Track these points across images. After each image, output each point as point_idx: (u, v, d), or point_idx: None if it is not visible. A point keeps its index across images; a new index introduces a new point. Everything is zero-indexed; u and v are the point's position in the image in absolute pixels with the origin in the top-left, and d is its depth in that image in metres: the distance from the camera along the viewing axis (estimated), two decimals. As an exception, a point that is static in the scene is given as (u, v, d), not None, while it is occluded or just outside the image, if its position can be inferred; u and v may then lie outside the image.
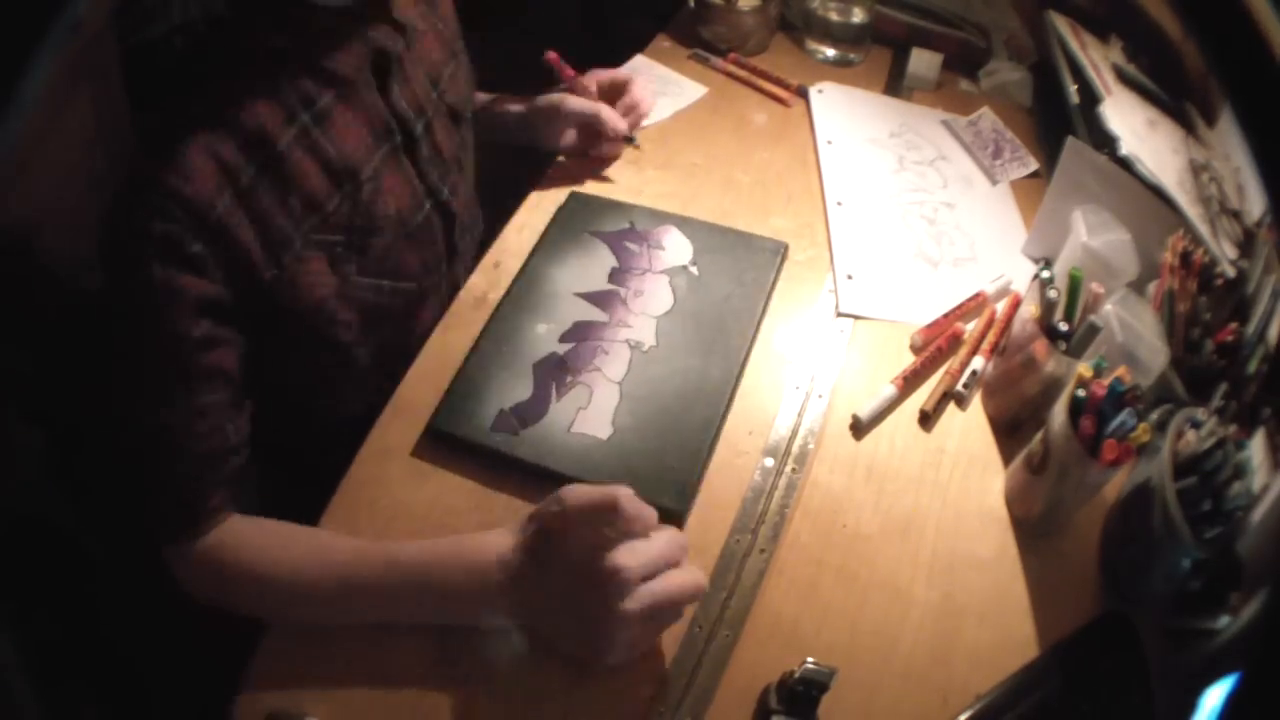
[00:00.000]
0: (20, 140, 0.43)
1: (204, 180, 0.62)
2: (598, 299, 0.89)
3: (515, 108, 1.05)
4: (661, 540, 0.64)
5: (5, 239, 0.63)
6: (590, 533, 0.62)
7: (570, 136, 1.04)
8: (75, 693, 0.74)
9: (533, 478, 0.75)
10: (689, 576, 0.64)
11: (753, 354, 0.87)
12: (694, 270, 0.92)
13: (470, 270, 0.93)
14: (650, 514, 0.64)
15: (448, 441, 0.78)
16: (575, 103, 1.01)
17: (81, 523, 0.80)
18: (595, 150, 1.04)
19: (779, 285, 0.93)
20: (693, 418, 0.80)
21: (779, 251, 0.95)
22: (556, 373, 0.82)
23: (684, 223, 0.97)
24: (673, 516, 0.73)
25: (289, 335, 0.72)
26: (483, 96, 1.06)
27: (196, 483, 0.69)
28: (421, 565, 0.67)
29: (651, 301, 0.89)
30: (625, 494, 0.63)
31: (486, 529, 0.69)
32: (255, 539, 0.70)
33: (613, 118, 1.01)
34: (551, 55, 1.04)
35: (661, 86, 1.16)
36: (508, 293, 0.89)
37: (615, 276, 0.91)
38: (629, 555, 0.61)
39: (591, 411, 0.80)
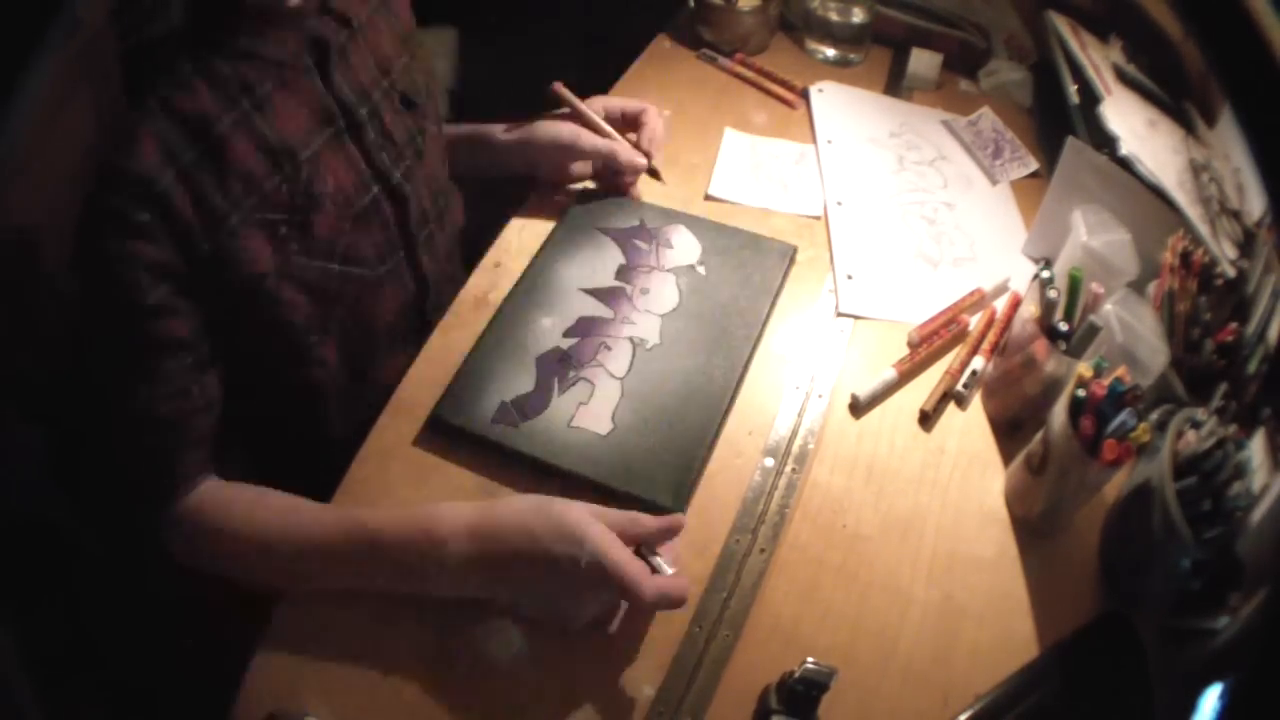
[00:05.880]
0: (20, 140, 0.43)
1: (148, 158, 0.65)
2: (604, 295, 0.89)
3: (506, 137, 0.99)
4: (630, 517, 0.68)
5: (4, 240, 0.63)
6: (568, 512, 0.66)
7: (579, 169, 1.00)
8: (76, 693, 0.74)
9: (532, 472, 0.76)
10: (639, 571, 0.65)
11: (754, 354, 0.87)
12: (701, 270, 0.93)
13: (444, 264, 0.92)
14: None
15: (449, 432, 0.79)
16: (589, 140, 0.96)
17: (81, 523, 0.80)
18: (610, 185, 1.00)
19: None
20: (693, 417, 0.80)
21: (787, 254, 0.94)
22: (559, 367, 0.83)
23: (693, 222, 0.97)
24: (668, 514, 0.73)
25: (236, 316, 0.74)
26: (459, 128, 1.01)
27: (167, 447, 0.71)
28: (379, 532, 0.69)
29: (657, 300, 0.89)
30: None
31: None
32: (230, 502, 0.73)
33: (631, 155, 0.96)
34: (558, 87, 0.98)
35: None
36: (515, 286, 0.90)
37: (622, 273, 0.91)
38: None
39: (592, 406, 0.80)
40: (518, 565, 0.66)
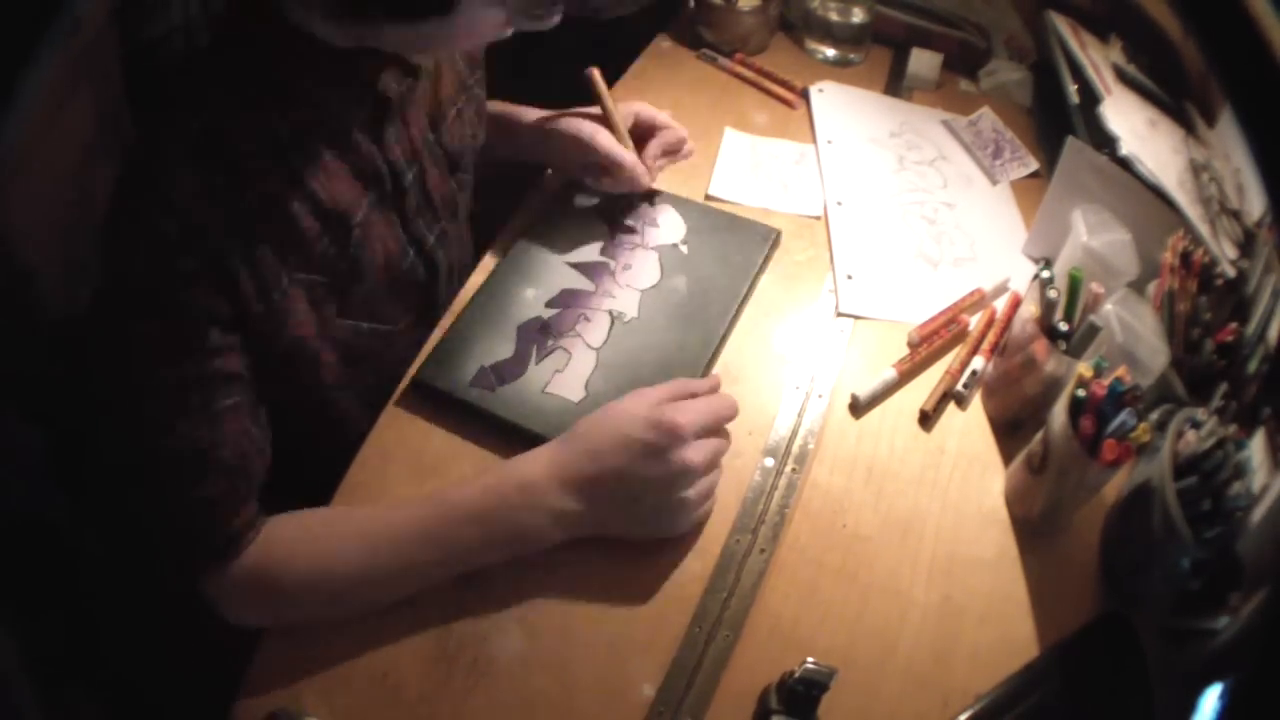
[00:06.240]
0: (20, 140, 0.43)
1: (198, 207, 0.61)
2: (587, 269, 0.92)
3: (531, 123, 0.96)
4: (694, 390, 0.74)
5: (4, 239, 0.63)
6: (635, 402, 0.71)
7: (585, 169, 0.96)
8: (76, 694, 0.74)
9: (502, 435, 0.78)
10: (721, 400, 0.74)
11: (753, 353, 0.87)
12: (684, 249, 0.94)
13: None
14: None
15: (429, 395, 0.81)
16: (605, 143, 0.91)
17: (81, 523, 0.80)
18: (609, 188, 0.96)
19: (780, 282, 0.94)
20: None
21: (769, 237, 0.96)
22: (538, 336, 0.85)
23: (680, 202, 0.99)
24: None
25: (272, 374, 0.70)
26: (497, 106, 0.99)
27: (231, 496, 0.66)
28: (478, 501, 0.68)
29: (639, 275, 0.92)
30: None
31: None
32: (301, 539, 0.68)
33: (639, 173, 0.92)
34: (593, 74, 0.93)
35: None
36: (504, 257, 0.92)
37: (607, 249, 0.94)
38: (678, 411, 0.69)
39: (567, 374, 0.82)
40: (618, 476, 0.68)
